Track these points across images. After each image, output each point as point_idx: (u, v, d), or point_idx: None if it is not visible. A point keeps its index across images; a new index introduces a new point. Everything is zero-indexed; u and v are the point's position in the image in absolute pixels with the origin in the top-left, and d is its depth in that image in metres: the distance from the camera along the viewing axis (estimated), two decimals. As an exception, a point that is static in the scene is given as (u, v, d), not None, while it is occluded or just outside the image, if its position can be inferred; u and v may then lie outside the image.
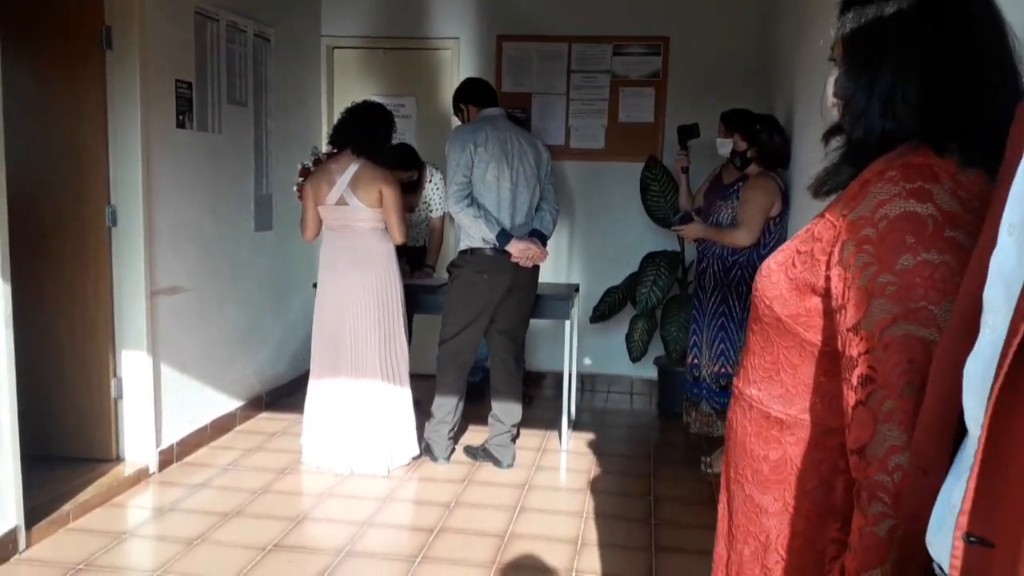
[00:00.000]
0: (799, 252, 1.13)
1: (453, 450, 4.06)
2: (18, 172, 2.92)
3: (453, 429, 4.01)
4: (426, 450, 4.01)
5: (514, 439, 4.02)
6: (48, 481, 3.28)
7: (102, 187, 3.53)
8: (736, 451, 1.27)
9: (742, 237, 3.69)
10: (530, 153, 3.87)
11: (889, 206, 1.02)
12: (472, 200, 3.73)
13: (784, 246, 1.18)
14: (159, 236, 3.71)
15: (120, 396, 3.65)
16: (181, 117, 3.85)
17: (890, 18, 1.06)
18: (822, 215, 1.12)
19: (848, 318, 1.03)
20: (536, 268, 3.94)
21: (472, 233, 3.77)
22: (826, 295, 1.10)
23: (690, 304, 4.40)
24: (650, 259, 4.84)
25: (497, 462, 3.94)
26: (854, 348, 1.02)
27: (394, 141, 4.09)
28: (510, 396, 3.99)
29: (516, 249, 3.77)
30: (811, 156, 3.44)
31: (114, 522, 3.24)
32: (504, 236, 3.74)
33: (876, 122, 1.07)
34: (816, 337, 1.14)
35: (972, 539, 0.70)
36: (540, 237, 3.89)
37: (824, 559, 1.16)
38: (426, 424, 4.05)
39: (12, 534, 2.87)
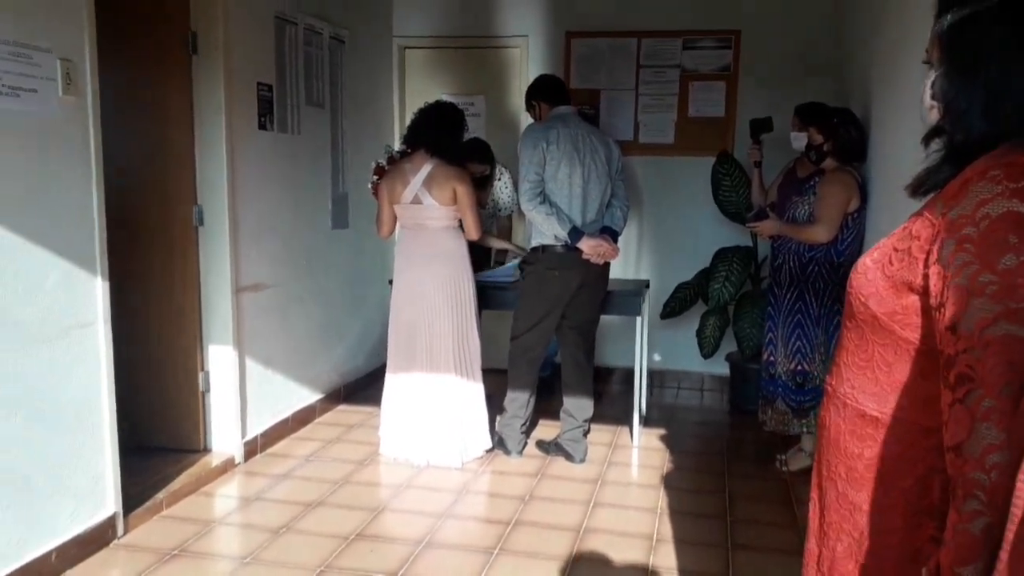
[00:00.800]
0: (896, 250, 1.13)
1: (525, 444, 4.10)
2: (111, 173, 3.05)
3: (525, 424, 4.05)
4: (499, 444, 4.07)
5: (586, 434, 4.05)
6: (141, 470, 3.44)
7: (189, 187, 3.67)
8: (829, 449, 1.28)
9: (820, 233, 3.64)
10: (601, 150, 3.88)
11: (991, 205, 1.01)
12: (544, 198, 3.76)
13: (880, 244, 1.18)
14: (243, 235, 3.84)
15: (207, 389, 3.80)
16: (262, 119, 3.98)
17: (991, 16, 1.05)
18: (920, 213, 1.12)
19: (947, 317, 1.02)
20: (607, 264, 3.95)
21: (544, 230, 3.80)
22: (924, 293, 1.09)
23: (763, 300, 4.35)
24: (722, 255, 4.80)
25: (570, 457, 3.97)
26: (952, 347, 1.01)
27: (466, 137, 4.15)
28: (582, 391, 4.01)
29: (587, 246, 3.79)
30: (890, 150, 3.38)
31: (204, 510, 3.38)
32: (576, 233, 3.76)
33: (978, 123, 1.07)
34: (912, 335, 1.14)
35: None
36: (611, 234, 3.90)
37: (920, 557, 1.16)
38: (498, 418, 4.11)
39: (111, 520, 3.03)
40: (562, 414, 4.03)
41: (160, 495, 3.33)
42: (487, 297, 4.23)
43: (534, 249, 3.90)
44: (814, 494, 1.37)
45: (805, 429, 3.82)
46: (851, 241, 3.68)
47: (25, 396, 2.65)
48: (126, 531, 3.09)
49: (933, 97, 1.13)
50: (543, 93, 3.98)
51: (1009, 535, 0.79)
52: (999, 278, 0.98)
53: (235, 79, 3.75)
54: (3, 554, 2.57)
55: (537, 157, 3.74)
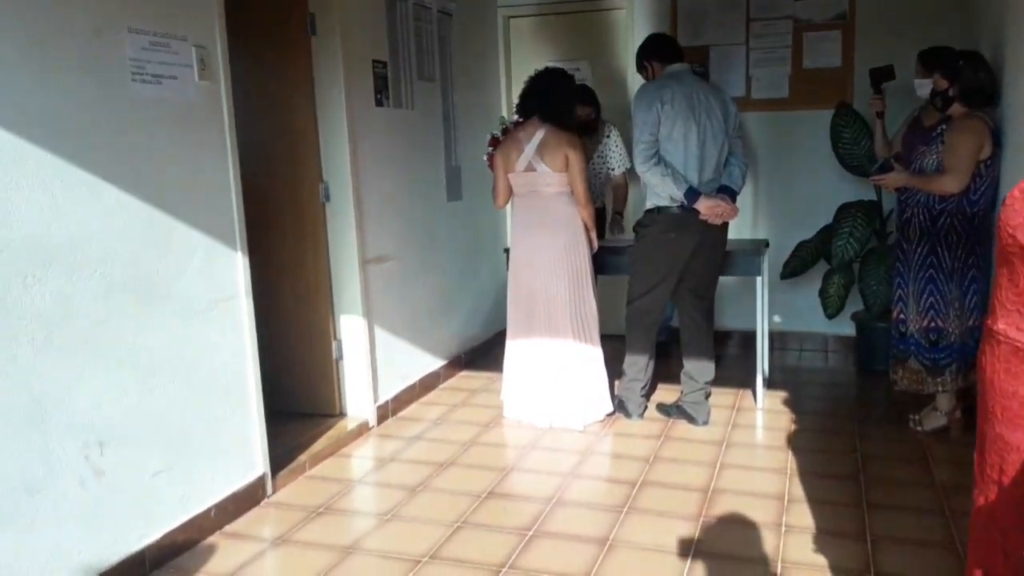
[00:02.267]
0: None
1: (646, 407, 4.12)
2: (243, 155, 3.20)
3: (645, 387, 4.06)
4: (619, 407, 4.09)
5: (707, 396, 4.02)
6: (284, 434, 3.64)
7: (315, 166, 3.82)
8: (984, 389, 1.26)
9: (950, 183, 3.48)
10: (717, 107, 3.81)
11: None
12: (659, 159, 3.72)
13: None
14: (366, 209, 3.98)
15: (340, 357, 3.99)
16: (379, 95, 4.09)
17: None
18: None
19: None
20: (725, 225, 3.89)
21: (659, 192, 3.77)
22: None
23: (890, 256, 4.20)
24: (845, 210, 4.65)
25: (692, 419, 3.96)
26: None
27: None
28: (702, 354, 3.98)
29: (705, 206, 3.74)
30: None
31: (343, 471, 3.56)
32: (692, 194, 3.71)
33: None
34: None
35: None
36: (729, 193, 3.83)
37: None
38: (617, 382, 4.13)
39: (261, 480, 3.23)
40: (683, 377, 4.02)
41: (303, 457, 3.53)
42: (603, 262, 4.24)
43: (649, 211, 3.87)
44: (978, 440, 1.35)
45: (940, 388, 3.69)
46: (984, 190, 3.51)
47: (183, 364, 2.85)
48: (274, 490, 3.29)
49: None
50: (656, 52, 3.92)
51: None
52: None
53: (352, 58, 3.86)
54: (170, 509, 2.79)
55: (651, 117, 3.70)
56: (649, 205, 3.87)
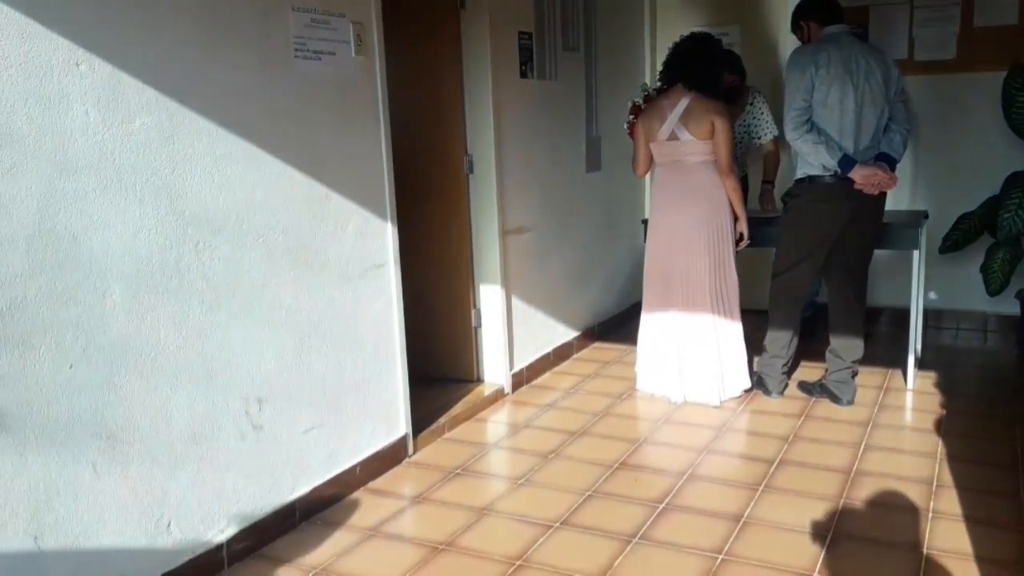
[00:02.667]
0: None
1: (786, 385, 4.00)
2: (392, 127, 3.29)
3: (787, 364, 3.95)
4: (758, 383, 4.00)
5: (854, 376, 3.86)
6: (425, 397, 3.78)
7: (460, 138, 3.91)
8: None
9: None
10: (878, 71, 3.58)
11: None
12: (812, 126, 3.55)
13: None
14: (507, 181, 4.04)
15: (479, 325, 4.11)
16: (523, 67, 4.12)
17: None
18: None
19: None
20: (882, 195, 3.68)
21: (811, 160, 3.61)
22: None
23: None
24: (1015, 180, 4.32)
25: (836, 399, 3.82)
26: None
27: None
28: (851, 331, 3.81)
29: (860, 175, 3.54)
30: None
31: (480, 435, 3.69)
32: (847, 162, 3.53)
33: None
34: None
35: None
36: (888, 161, 3.61)
37: None
38: (757, 358, 4.03)
39: (403, 440, 3.39)
40: (828, 354, 3.87)
41: (442, 420, 3.67)
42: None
43: (799, 180, 3.71)
44: None
45: (1119, 375, 3.40)
46: None
47: (335, 328, 3.01)
48: (415, 451, 3.45)
49: None
50: (814, 12, 3.71)
51: None
52: None
53: (499, 30, 3.90)
54: (320, 464, 2.97)
55: (805, 83, 3.53)
56: (800, 174, 3.71)
